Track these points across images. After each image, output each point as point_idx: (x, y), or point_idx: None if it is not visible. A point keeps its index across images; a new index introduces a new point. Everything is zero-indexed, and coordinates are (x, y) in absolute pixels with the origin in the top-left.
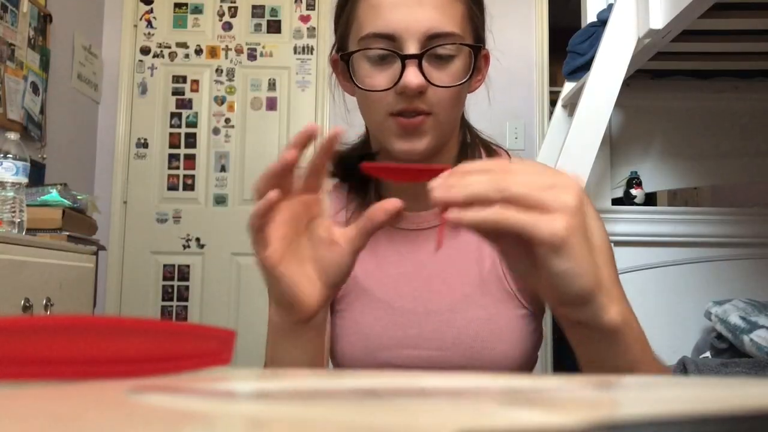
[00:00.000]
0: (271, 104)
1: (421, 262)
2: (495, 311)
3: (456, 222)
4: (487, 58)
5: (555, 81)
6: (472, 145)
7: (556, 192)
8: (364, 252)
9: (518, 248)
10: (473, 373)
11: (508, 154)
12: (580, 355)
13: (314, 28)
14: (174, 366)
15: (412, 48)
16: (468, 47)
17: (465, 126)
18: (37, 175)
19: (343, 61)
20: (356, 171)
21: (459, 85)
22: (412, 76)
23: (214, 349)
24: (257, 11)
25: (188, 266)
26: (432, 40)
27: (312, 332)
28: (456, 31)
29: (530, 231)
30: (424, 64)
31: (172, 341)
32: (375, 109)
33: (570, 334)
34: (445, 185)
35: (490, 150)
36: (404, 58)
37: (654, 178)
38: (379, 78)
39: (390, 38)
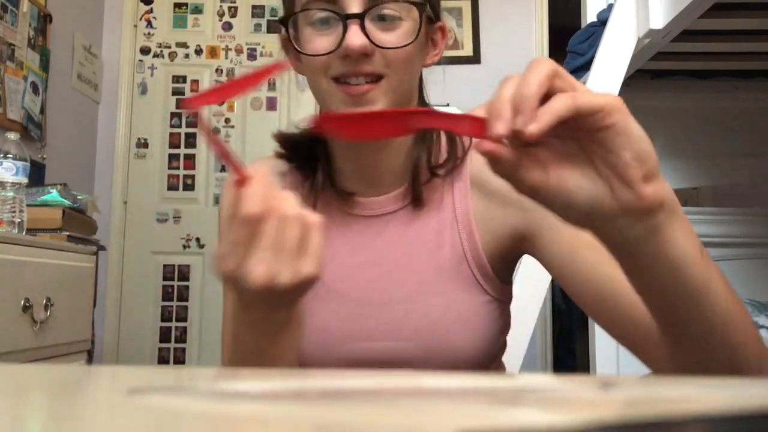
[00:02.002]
0: (271, 104)
1: (377, 251)
2: (455, 298)
3: (536, 132)
4: (443, 31)
5: None
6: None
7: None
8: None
9: (573, 150)
10: (434, 364)
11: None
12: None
13: None
14: None
15: (354, 8)
16: (416, 7)
17: (424, 104)
18: (37, 175)
19: (285, 28)
20: (302, 151)
21: (403, 46)
22: (354, 37)
23: None
24: (257, 11)
25: (188, 266)
26: (377, 3)
27: (297, 323)
28: None
29: (605, 105)
30: (369, 26)
31: None
32: (318, 77)
33: (644, 240)
34: (498, 113)
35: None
36: (345, 18)
37: None
38: (321, 42)
39: (332, 1)
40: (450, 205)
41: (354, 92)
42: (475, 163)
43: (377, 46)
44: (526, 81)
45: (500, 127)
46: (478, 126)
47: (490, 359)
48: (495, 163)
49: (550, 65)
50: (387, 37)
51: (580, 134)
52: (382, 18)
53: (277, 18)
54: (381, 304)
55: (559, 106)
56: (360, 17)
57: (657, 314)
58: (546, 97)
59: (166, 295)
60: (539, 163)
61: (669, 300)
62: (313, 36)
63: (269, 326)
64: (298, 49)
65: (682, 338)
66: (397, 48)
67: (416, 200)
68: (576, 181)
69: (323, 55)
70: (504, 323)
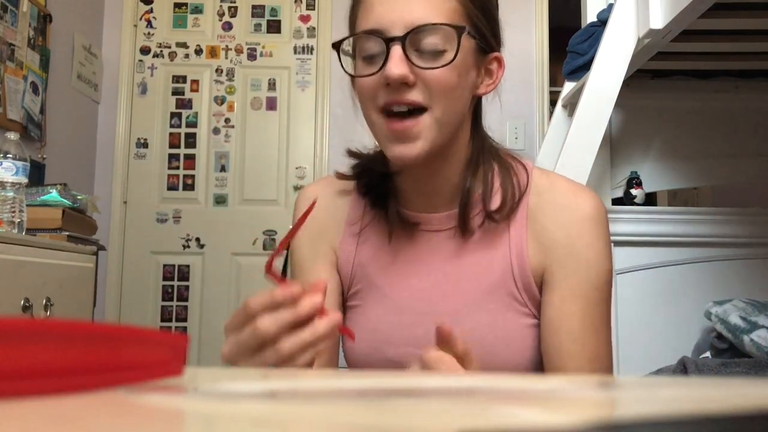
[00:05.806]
0: (271, 104)
1: (431, 264)
2: (501, 318)
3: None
4: (500, 61)
5: (555, 81)
6: (485, 156)
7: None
8: (383, 249)
9: None
10: None
11: (525, 168)
12: None
13: (314, 28)
14: (113, 378)
15: (396, 33)
16: (455, 31)
17: (480, 135)
18: (37, 175)
19: (338, 54)
20: (376, 184)
21: (440, 66)
22: (395, 66)
23: (162, 357)
24: (257, 11)
25: (188, 266)
26: (417, 29)
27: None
28: (444, 22)
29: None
30: (412, 57)
31: (112, 349)
32: (368, 107)
33: None
34: None
35: (503, 164)
36: (388, 42)
37: (654, 178)
38: (369, 71)
39: (378, 33)
40: (506, 231)
41: (398, 128)
42: (533, 197)
43: (416, 65)
44: None
45: None
46: None
47: None
48: None
49: None
50: (428, 66)
51: None
52: (425, 49)
53: (276, 19)
54: (430, 314)
55: None
56: (401, 41)
57: None
58: None
59: (166, 295)
60: None
61: None
62: (363, 66)
63: None
64: (348, 72)
65: None
66: (433, 68)
67: (464, 227)
68: None
69: (369, 75)
70: None
